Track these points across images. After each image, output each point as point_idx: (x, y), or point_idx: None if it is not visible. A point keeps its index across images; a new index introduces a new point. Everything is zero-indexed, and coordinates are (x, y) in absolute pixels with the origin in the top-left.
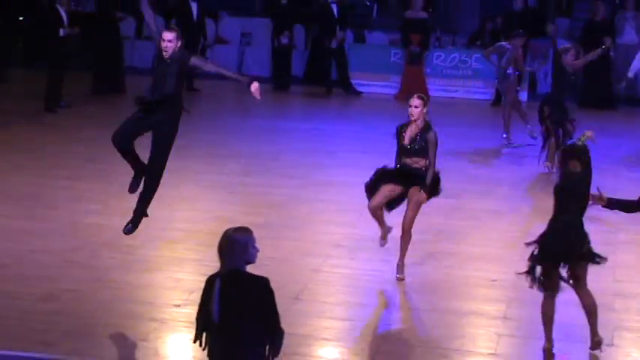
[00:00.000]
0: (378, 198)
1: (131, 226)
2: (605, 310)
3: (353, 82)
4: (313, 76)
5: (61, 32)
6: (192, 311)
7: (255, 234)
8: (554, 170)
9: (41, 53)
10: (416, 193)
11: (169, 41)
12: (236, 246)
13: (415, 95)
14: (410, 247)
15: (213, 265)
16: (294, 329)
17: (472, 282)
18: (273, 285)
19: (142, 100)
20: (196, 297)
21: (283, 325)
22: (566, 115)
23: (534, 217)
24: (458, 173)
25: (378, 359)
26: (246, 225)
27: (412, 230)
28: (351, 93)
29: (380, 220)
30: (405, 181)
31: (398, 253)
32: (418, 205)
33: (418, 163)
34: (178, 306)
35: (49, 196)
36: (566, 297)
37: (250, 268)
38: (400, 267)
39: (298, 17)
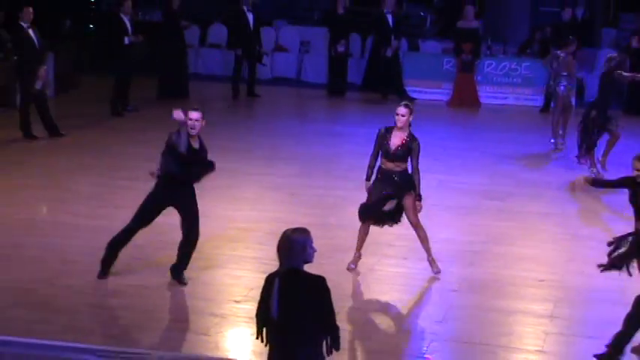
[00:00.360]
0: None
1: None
2: None
3: (407, 88)
4: (371, 83)
5: (126, 40)
6: (251, 307)
7: (313, 234)
8: (598, 172)
9: (108, 60)
10: (411, 201)
11: (197, 120)
12: (295, 246)
13: (402, 104)
14: (460, 248)
15: (272, 263)
16: (348, 326)
17: (520, 282)
18: (329, 283)
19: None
20: (255, 293)
21: (338, 323)
22: (610, 121)
23: (582, 220)
24: (506, 177)
25: (429, 355)
26: (304, 225)
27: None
28: (405, 99)
29: (361, 243)
30: (396, 191)
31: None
32: (417, 212)
33: (400, 166)
34: (238, 302)
35: (114, 196)
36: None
37: (307, 267)
38: (432, 263)
39: (355, 26)
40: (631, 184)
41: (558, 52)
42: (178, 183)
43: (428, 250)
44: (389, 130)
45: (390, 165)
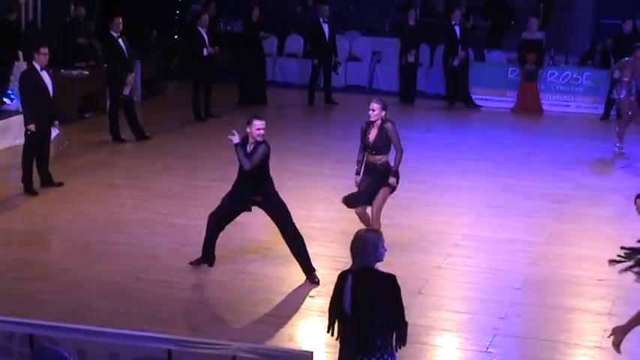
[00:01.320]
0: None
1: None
2: None
3: (473, 96)
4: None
5: (205, 52)
6: (324, 302)
7: (383, 234)
8: None
9: (189, 69)
10: (382, 195)
11: (260, 128)
12: (368, 245)
13: (374, 100)
14: (522, 248)
15: (344, 261)
16: (416, 320)
17: (579, 281)
18: (398, 281)
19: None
20: (328, 289)
21: (407, 317)
22: None
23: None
24: (567, 181)
25: (492, 349)
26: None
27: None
28: (472, 106)
29: (367, 224)
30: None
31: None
32: (381, 207)
33: (380, 160)
34: (312, 297)
35: (197, 196)
36: None
37: (379, 266)
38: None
39: (424, 37)
40: None
41: (627, 58)
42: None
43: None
44: (368, 125)
45: (371, 158)
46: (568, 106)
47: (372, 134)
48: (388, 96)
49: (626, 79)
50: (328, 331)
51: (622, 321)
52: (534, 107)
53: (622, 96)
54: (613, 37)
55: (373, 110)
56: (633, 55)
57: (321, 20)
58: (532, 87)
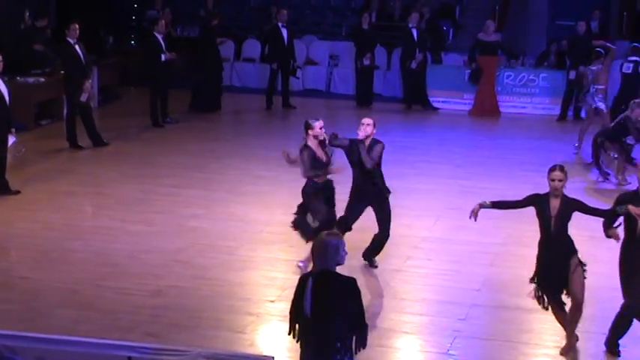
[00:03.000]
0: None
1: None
2: None
3: (430, 99)
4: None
5: (163, 57)
6: (285, 306)
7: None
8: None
9: (146, 75)
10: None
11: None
12: (329, 249)
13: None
14: (481, 249)
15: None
16: (376, 323)
17: None
18: (358, 284)
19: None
20: (289, 293)
21: (367, 320)
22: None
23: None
24: (525, 182)
25: (453, 351)
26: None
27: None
28: (429, 109)
29: None
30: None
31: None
32: None
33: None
34: (273, 302)
35: (157, 202)
36: None
37: (340, 269)
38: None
39: (380, 41)
40: (536, 202)
41: (585, 68)
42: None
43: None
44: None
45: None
46: (525, 107)
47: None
48: (345, 99)
49: (602, 87)
50: (289, 334)
51: (581, 321)
52: (491, 109)
53: (602, 106)
54: (568, 39)
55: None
56: (599, 61)
57: (280, 25)
58: (487, 90)
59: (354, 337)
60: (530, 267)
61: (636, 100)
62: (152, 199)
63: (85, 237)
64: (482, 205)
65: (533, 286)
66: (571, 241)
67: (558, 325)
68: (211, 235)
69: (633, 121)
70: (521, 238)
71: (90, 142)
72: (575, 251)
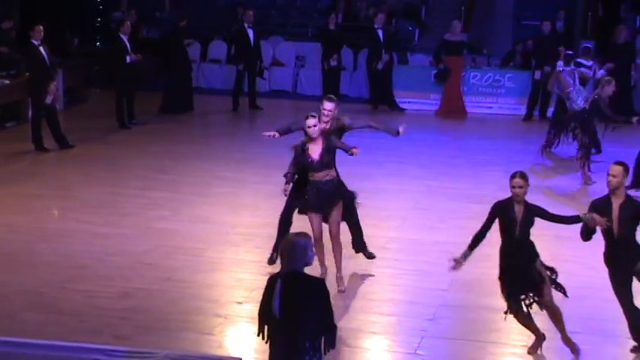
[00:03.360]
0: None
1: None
2: None
3: (397, 99)
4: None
5: (128, 59)
6: (252, 308)
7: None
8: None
9: (112, 77)
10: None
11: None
12: (297, 250)
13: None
14: (448, 249)
15: (271, 266)
16: (344, 324)
17: None
18: (327, 285)
19: None
20: (256, 295)
21: (335, 321)
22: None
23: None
24: (491, 182)
25: (420, 351)
26: (299, 230)
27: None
28: (396, 109)
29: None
30: (325, 205)
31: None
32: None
33: (328, 174)
34: (240, 303)
35: (124, 204)
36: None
37: (308, 270)
38: (340, 280)
39: (347, 41)
40: (500, 210)
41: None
42: None
43: (339, 265)
44: (306, 143)
45: (319, 175)
46: (491, 107)
47: (315, 152)
48: (312, 100)
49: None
50: (258, 335)
51: (548, 320)
52: (458, 109)
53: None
54: (533, 39)
55: (314, 126)
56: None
57: (246, 26)
58: (453, 90)
59: (322, 338)
60: (496, 266)
61: (606, 78)
62: (118, 202)
63: (51, 240)
64: (459, 261)
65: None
66: (533, 246)
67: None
68: (178, 237)
69: (604, 99)
70: (488, 238)
71: (55, 145)
72: (537, 256)
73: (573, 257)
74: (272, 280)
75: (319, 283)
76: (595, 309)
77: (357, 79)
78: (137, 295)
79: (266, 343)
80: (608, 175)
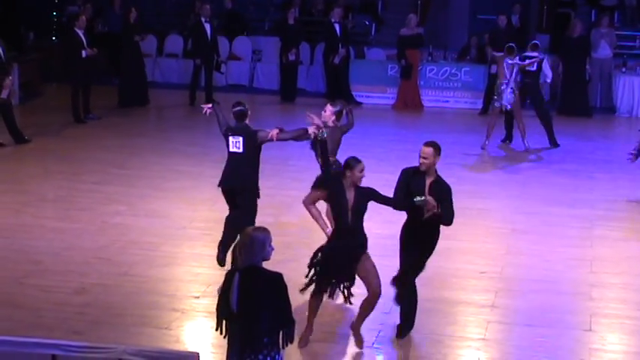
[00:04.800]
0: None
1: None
2: (583, 299)
3: (354, 93)
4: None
5: (83, 54)
6: (209, 302)
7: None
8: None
9: (67, 71)
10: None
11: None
12: (255, 244)
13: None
14: None
15: (228, 261)
16: (301, 318)
17: (462, 274)
18: (285, 280)
19: None
20: (213, 289)
21: (293, 315)
22: None
23: (519, 215)
24: (448, 176)
25: (378, 345)
26: (257, 224)
27: None
28: (352, 103)
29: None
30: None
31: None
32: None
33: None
34: (197, 297)
35: (80, 199)
36: (560, 287)
37: (266, 265)
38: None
39: (304, 36)
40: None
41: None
42: None
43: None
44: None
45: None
46: (447, 101)
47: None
48: (269, 95)
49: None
50: (217, 330)
51: (505, 313)
52: (414, 103)
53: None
54: (489, 32)
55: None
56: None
57: (203, 20)
58: (410, 84)
59: (280, 332)
60: (453, 259)
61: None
62: (74, 196)
63: (6, 235)
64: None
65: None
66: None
67: (482, 316)
68: (134, 232)
69: None
70: (444, 232)
71: (11, 139)
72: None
73: (529, 250)
74: (230, 274)
75: (277, 278)
76: (550, 302)
77: (314, 74)
78: (93, 291)
79: (224, 337)
80: (420, 157)
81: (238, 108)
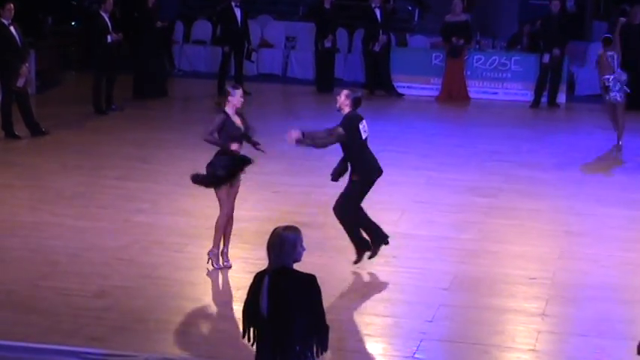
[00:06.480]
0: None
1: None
2: None
3: (395, 84)
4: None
5: (109, 39)
6: (238, 308)
7: (302, 233)
8: None
9: (91, 58)
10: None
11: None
12: (286, 244)
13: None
14: (450, 245)
15: (259, 262)
16: (338, 325)
17: (511, 280)
18: (319, 283)
19: None
20: (242, 294)
21: (328, 322)
22: None
23: (573, 216)
24: (496, 174)
25: (419, 355)
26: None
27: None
28: (394, 95)
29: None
30: None
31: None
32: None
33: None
34: (225, 302)
35: (101, 196)
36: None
37: (297, 266)
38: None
39: (342, 21)
40: None
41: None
42: None
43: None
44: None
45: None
46: (496, 93)
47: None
48: (303, 85)
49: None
50: (243, 337)
51: (557, 322)
52: (460, 95)
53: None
54: (541, 19)
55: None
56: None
57: (233, 4)
58: (458, 65)
59: (314, 340)
60: (502, 264)
61: None
62: (94, 193)
63: (22, 234)
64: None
65: None
66: None
67: (532, 325)
68: (158, 231)
69: None
70: (493, 234)
71: (27, 131)
72: None
73: (584, 255)
74: (259, 276)
75: (311, 280)
76: (606, 310)
77: (353, 62)
78: (114, 294)
79: (252, 345)
80: None
81: (360, 94)
